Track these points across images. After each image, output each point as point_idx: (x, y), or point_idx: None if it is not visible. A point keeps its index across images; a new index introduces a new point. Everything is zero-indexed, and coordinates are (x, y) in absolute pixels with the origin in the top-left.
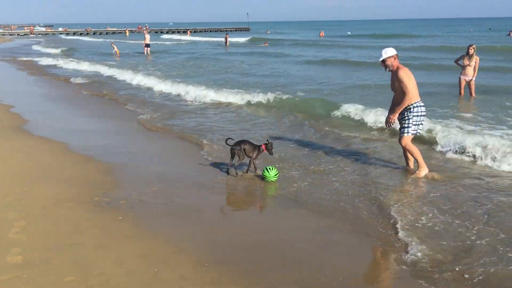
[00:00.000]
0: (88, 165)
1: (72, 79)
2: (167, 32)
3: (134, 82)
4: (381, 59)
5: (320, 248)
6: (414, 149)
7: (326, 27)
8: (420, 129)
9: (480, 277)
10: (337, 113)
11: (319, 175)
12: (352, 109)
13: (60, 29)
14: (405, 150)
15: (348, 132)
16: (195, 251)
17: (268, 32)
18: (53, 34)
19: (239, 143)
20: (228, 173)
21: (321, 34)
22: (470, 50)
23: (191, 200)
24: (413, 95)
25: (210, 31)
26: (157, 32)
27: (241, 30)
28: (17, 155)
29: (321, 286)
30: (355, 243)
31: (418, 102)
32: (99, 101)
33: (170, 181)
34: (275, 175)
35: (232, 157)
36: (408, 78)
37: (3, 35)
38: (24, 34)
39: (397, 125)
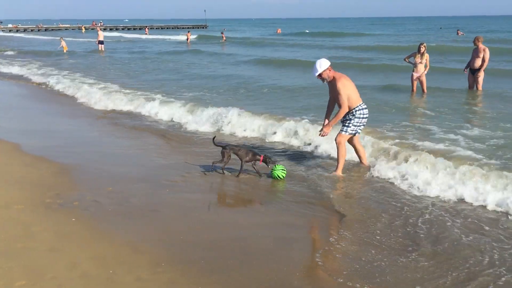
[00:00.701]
0: (40, 166)
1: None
2: (122, 29)
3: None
4: (316, 74)
5: (277, 245)
6: (344, 151)
7: (285, 25)
8: (360, 129)
9: None
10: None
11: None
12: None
13: (10, 25)
14: (354, 148)
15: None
16: (152, 251)
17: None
18: (2, 30)
19: (232, 146)
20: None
21: (278, 31)
22: (421, 48)
23: (147, 200)
24: (353, 101)
25: (167, 28)
26: (112, 29)
27: (198, 28)
28: None
29: (279, 282)
30: (309, 239)
31: (360, 105)
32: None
33: (126, 181)
34: (282, 169)
35: (222, 158)
36: (344, 89)
37: None
38: None
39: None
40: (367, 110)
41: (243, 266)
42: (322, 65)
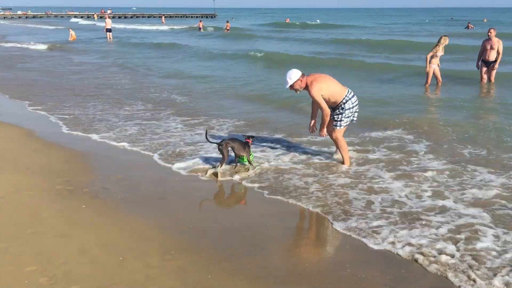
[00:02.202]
0: (51, 152)
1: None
2: (131, 17)
3: None
4: (287, 86)
5: (285, 234)
6: (344, 144)
7: (296, 14)
8: (355, 117)
9: None
10: None
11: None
12: None
13: (19, 12)
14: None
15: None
16: (161, 239)
17: (232, 19)
18: (12, 17)
19: (227, 140)
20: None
21: (286, 20)
22: (443, 40)
23: (156, 188)
24: (338, 95)
25: (176, 17)
26: (120, 17)
27: (206, 17)
28: None
29: (287, 271)
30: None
31: (346, 96)
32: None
33: (135, 169)
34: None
35: (222, 154)
36: (318, 94)
37: None
38: None
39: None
40: (355, 97)
41: (251, 254)
42: (293, 76)
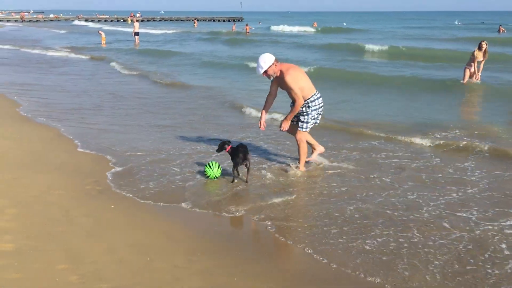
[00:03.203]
0: (81, 152)
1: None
2: (160, 21)
3: None
4: (262, 72)
5: (305, 238)
6: (305, 148)
7: (323, 18)
8: (318, 120)
9: None
10: None
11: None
12: None
13: (51, 15)
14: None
15: None
16: (187, 241)
17: (259, 23)
18: (44, 20)
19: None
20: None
21: (314, 24)
22: (483, 45)
23: (183, 191)
24: (306, 91)
25: (203, 20)
26: (149, 20)
27: (234, 20)
28: (5, 142)
29: (308, 276)
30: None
31: (314, 94)
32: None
33: (164, 171)
34: (218, 168)
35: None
36: (295, 81)
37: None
38: (15, 21)
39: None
40: (321, 99)
41: (275, 257)
42: (267, 60)
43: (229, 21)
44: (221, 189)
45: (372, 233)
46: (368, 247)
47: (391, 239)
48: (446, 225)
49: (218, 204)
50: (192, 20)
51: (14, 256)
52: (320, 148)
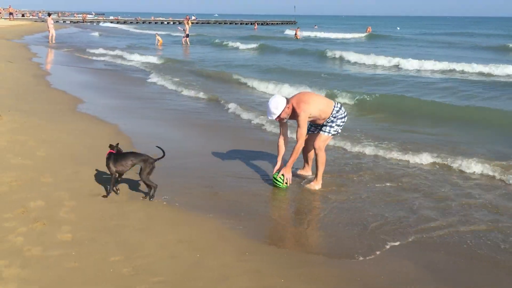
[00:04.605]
0: (136, 150)
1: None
2: (214, 23)
3: None
4: (275, 118)
5: (364, 245)
6: (324, 157)
7: (375, 22)
8: (340, 130)
9: None
10: None
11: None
12: None
13: (111, 17)
14: (309, 148)
15: None
16: (237, 239)
17: (315, 27)
18: (104, 22)
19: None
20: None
21: (368, 29)
22: None
23: (235, 189)
24: (326, 110)
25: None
26: (204, 23)
27: (287, 23)
28: (67, 137)
29: (361, 282)
30: None
31: (334, 107)
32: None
33: (216, 169)
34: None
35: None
36: (307, 116)
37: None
38: (77, 22)
39: None
40: (343, 108)
41: (327, 262)
42: (279, 106)
43: (282, 24)
44: (274, 196)
45: None
46: None
47: None
48: None
49: (269, 204)
50: (252, 24)
51: (72, 246)
52: (309, 172)
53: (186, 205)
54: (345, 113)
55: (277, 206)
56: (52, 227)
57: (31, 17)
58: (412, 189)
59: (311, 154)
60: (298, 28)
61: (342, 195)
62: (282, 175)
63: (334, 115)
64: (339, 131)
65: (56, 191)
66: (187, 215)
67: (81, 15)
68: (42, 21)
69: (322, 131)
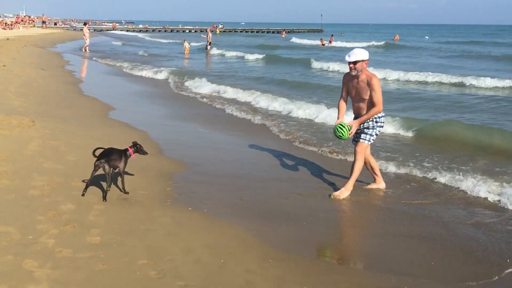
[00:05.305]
0: (163, 156)
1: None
2: (241, 32)
3: None
4: (353, 60)
5: (410, 254)
6: (361, 163)
7: (403, 30)
8: (375, 138)
9: None
10: None
11: None
12: None
13: (141, 26)
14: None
15: None
16: (261, 246)
17: (342, 34)
18: (133, 31)
19: (105, 154)
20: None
21: (395, 38)
22: None
23: (258, 196)
24: (379, 103)
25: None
26: (230, 31)
27: (314, 31)
28: (97, 143)
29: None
30: None
31: (382, 112)
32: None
33: (239, 177)
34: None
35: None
36: (380, 88)
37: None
38: (107, 30)
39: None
40: (384, 117)
41: (349, 271)
42: (364, 55)
43: (308, 32)
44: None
45: None
46: None
47: None
48: None
49: (293, 213)
50: (279, 32)
51: (100, 249)
52: (381, 184)
53: (213, 211)
54: (384, 123)
55: (302, 214)
56: (82, 230)
57: (63, 25)
58: None
59: (371, 163)
60: (332, 36)
61: (368, 206)
62: (350, 126)
63: (378, 118)
64: (374, 139)
65: (86, 195)
66: (213, 220)
67: (111, 23)
68: (74, 29)
69: (362, 139)
